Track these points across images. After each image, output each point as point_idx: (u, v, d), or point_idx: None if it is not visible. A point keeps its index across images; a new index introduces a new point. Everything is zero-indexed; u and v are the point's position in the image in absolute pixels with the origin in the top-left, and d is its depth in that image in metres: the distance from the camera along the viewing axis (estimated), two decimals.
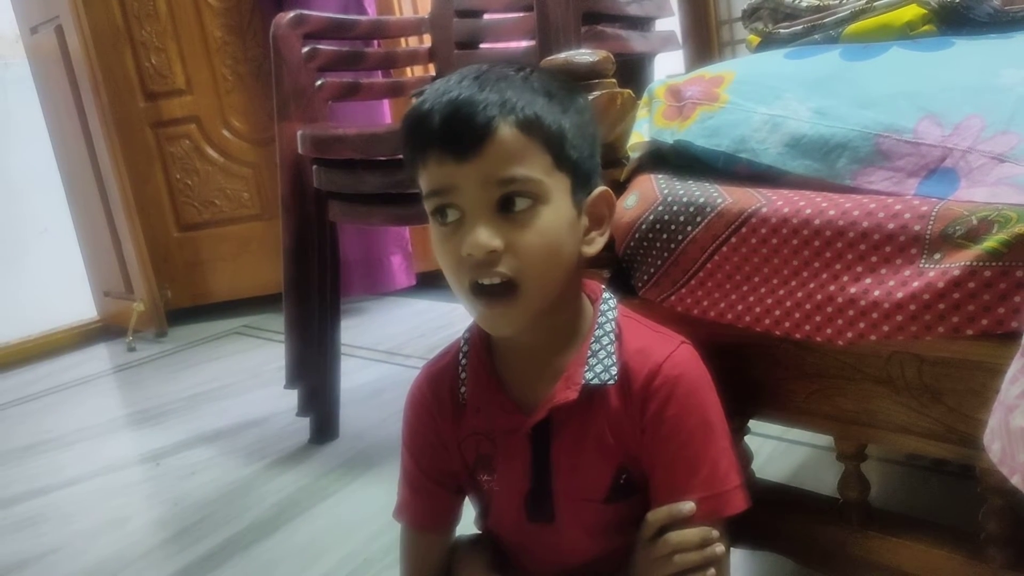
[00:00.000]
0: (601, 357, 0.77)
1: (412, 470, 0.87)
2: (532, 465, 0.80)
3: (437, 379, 0.86)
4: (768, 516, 0.91)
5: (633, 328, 0.80)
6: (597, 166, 0.79)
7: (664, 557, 0.76)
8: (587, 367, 0.77)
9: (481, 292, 0.71)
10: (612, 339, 0.78)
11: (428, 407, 0.85)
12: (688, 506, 0.75)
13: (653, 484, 0.78)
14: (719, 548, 0.75)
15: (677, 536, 0.75)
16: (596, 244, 0.78)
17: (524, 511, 0.81)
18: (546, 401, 0.77)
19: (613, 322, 0.80)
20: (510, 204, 0.70)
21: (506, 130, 0.69)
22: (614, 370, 0.76)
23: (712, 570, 0.75)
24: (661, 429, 0.76)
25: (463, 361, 0.84)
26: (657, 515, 0.77)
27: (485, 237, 0.69)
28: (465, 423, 0.83)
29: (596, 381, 0.76)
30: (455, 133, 0.69)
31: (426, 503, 0.87)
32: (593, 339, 0.78)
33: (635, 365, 0.77)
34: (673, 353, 0.78)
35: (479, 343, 0.83)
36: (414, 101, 0.74)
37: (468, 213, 0.70)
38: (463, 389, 0.83)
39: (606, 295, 0.82)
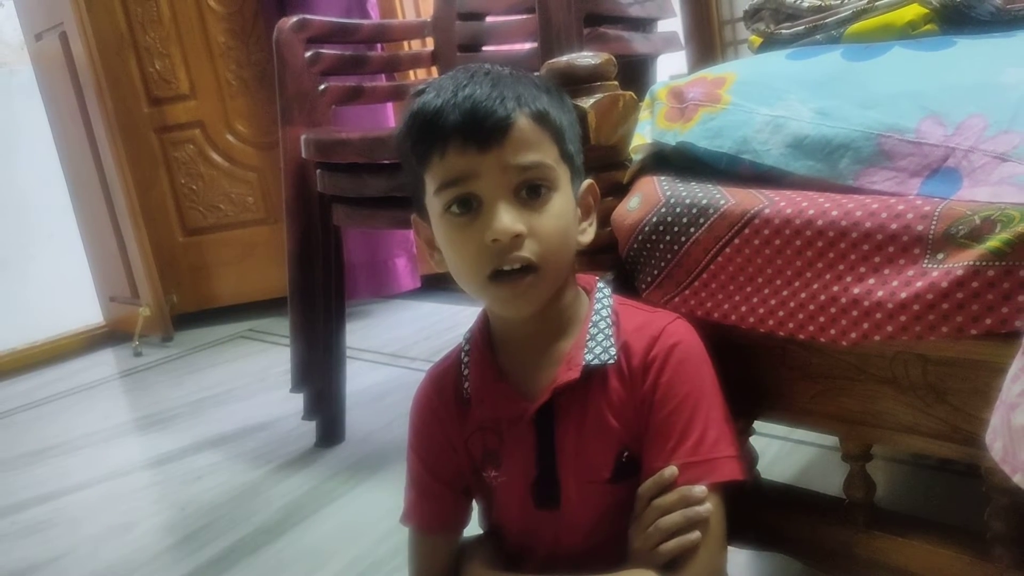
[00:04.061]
0: (600, 340, 0.80)
1: (420, 473, 0.88)
2: (538, 451, 0.81)
3: (440, 380, 0.87)
4: (774, 516, 0.91)
5: (629, 312, 0.84)
6: (583, 162, 0.84)
7: (651, 525, 0.76)
8: (587, 349, 0.79)
9: (502, 276, 0.74)
10: (609, 323, 0.81)
11: (433, 408, 0.87)
12: (670, 471, 0.77)
13: (645, 451, 0.79)
14: (703, 508, 0.75)
15: (659, 501, 0.77)
16: (588, 234, 0.83)
17: (531, 499, 0.82)
18: (549, 384, 0.79)
19: (609, 308, 0.83)
20: (529, 190, 0.74)
21: (523, 121, 0.74)
22: (613, 351, 0.79)
23: (697, 532, 0.75)
24: (655, 395, 0.78)
25: (465, 359, 0.86)
26: (646, 487, 0.78)
27: (510, 221, 0.73)
28: (470, 419, 0.84)
29: (596, 361, 0.79)
30: (478, 123, 0.72)
31: (434, 506, 0.88)
32: (591, 324, 0.81)
33: (633, 342, 0.80)
34: (668, 325, 0.81)
35: (481, 339, 0.85)
36: (416, 100, 0.77)
37: (487, 201, 0.74)
38: (466, 385, 0.84)
39: (600, 284, 0.85)
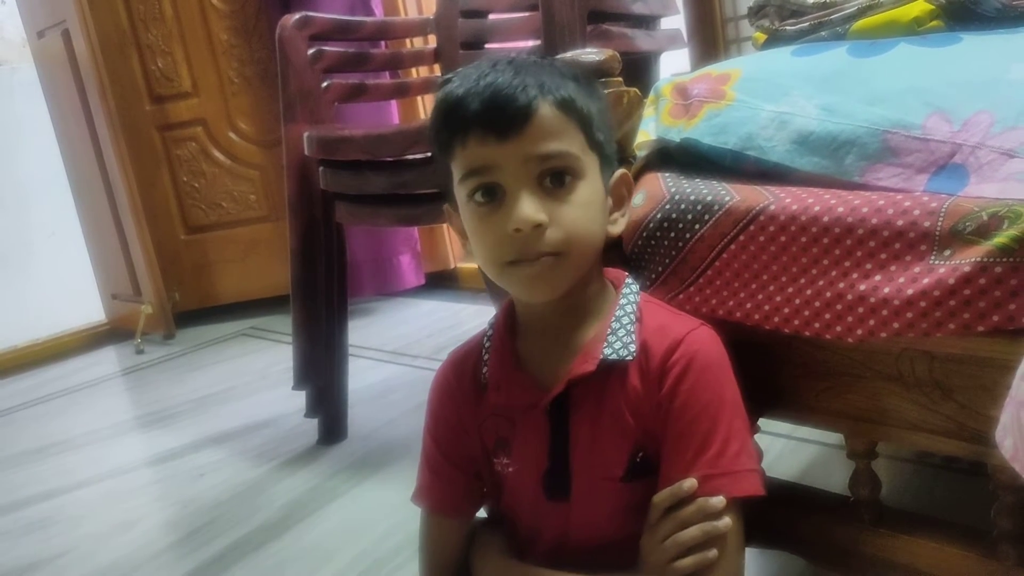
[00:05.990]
0: (621, 335, 0.79)
1: (433, 454, 0.88)
2: (550, 442, 0.81)
3: (460, 363, 0.88)
4: (778, 514, 0.91)
5: (654, 311, 0.82)
6: (615, 151, 0.83)
7: (667, 538, 0.75)
8: (606, 343, 0.78)
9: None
10: (632, 319, 0.80)
11: (451, 391, 0.87)
12: (689, 483, 0.75)
13: (663, 460, 0.78)
14: (721, 523, 0.74)
15: (677, 513, 0.75)
16: (619, 224, 0.83)
17: (541, 490, 0.82)
18: (564, 375, 0.78)
19: (634, 304, 0.82)
20: (552, 179, 0.74)
21: (546, 109, 0.73)
22: (633, 347, 0.78)
23: (715, 551, 0.74)
24: (674, 402, 0.77)
25: (487, 343, 0.86)
26: (661, 496, 0.77)
27: (532, 211, 0.72)
28: (486, 405, 0.84)
29: (614, 356, 0.78)
30: (497, 113, 0.72)
31: (446, 487, 0.88)
32: (614, 319, 0.80)
33: (654, 342, 0.79)
34: (693, 331, 0.79)
35: (503, 326, 0.85)
36: (442, 89, 0.76)
37: (510, 190, 0.73)
38: (485, 370, 0.84)
39: (628, 280, 0.84)
